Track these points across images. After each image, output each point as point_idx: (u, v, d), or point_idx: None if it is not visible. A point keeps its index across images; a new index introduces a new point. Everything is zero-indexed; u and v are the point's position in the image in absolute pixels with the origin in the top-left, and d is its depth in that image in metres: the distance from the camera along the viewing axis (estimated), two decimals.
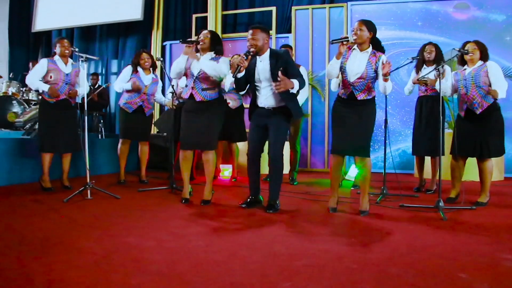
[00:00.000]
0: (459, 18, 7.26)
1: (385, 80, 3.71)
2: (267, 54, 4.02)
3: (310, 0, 8.53)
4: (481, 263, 2.52)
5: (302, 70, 5.46)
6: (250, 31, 3.99)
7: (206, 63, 4.18)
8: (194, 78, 4.25)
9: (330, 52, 7.79)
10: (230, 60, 4.22)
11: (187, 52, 4.25)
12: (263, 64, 4.00)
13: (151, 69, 5.76)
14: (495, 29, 7.05)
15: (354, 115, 3.86)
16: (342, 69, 3.90)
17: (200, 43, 4.24)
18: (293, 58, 7.95)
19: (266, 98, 4.04)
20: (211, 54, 4.28)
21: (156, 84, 5.78)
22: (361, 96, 3.86)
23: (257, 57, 4.02)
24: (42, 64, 4.95)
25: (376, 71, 3.81)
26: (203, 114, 4.22)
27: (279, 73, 3.79)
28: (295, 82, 3.85)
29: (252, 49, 3.95)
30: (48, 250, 2.72)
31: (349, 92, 3.88)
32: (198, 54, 4.30)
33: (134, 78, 5.61)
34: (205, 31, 4.34)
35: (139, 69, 5.66)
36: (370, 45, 3.87)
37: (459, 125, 4.38)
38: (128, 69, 5.69)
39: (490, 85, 4.20)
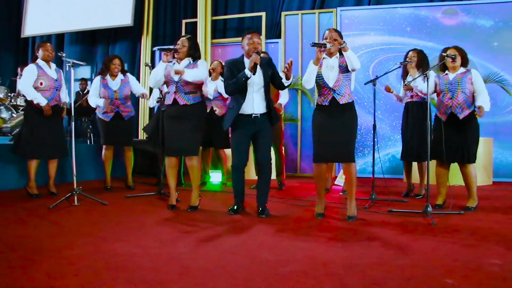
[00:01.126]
0: (447, 24, 7.31)
1: (344, 50, 3.81)
2: None
3: (299, 6, 8.54)
4: (468, 268, 2.51)
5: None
6: (249, 35, 4.03)
7: (187, 74, 4.15)
8: (176, 83, 4.24)
9: None
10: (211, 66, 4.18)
11: (165, 60, 4.26)
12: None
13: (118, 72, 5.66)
14: (483, 35, 7.11)
15: (336, 122, 3.88)
16: (319, 78, 3.94)
17: (178, 51, 4.25)
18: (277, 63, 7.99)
19: (257, 103, 4.05)
20: (188, 59, 4.29)
21: (127, 84, 5.66)
22: (343, 100, 3.88)
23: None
24: (32, 70, 4.82)
25: (346, 66, 3.88)
26: (186, 119, 4.22)
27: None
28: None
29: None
30: (33, 257, 2.68)
31: (331, 98, 3.91)
32: (176, 64, 4.29)
33: (102, 88, 5.54)
34: (183, 38, 4.32)
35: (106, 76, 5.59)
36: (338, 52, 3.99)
37: (440, 130, 4.35)
38: (97, 80, 5.61)
39: (473, 93, 4.28)
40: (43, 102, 4.81)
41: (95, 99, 5.53)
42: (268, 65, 4.09)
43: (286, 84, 4.06)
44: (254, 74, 3.92)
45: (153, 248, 2.93)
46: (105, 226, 3.62)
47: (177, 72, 4.16)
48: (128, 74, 5.80)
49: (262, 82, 4.05)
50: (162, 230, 3.49)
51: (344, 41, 3.86)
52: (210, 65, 6.02)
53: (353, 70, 3.88)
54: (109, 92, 5.52)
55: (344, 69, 3.88)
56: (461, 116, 4.28)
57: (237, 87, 4.00)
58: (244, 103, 4.05)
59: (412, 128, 5.02)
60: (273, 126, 4.20)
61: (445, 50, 4.42)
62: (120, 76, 5.65)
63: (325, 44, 3.83)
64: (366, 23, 7.65)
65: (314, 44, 3.87)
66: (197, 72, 4.18)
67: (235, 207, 4.18)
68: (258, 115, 4.06)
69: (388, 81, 7.26)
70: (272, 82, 4.15)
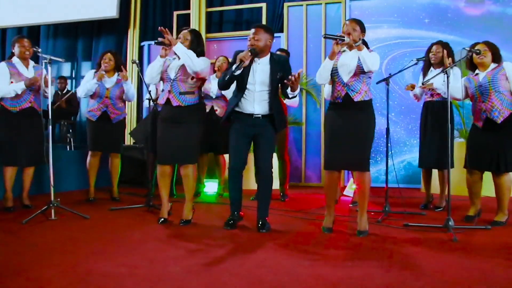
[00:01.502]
0: (471, 14, 7.26)
1: (359, 49, 3.73)
2: (267, 57, 4.08)
3: None
4: None
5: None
6: (253, 30, 4.03)
7: (180, 47, 4.09)
8: (172, 81, 4.24)
9: (326, 53, 7.78)
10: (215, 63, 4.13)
11: (164, 54, 4.24)
12: (261, 67, 4.04)
13: (115, 70, 5.66)
14: None
15: (350, 123, 3.84)
16: (333, 71, 3.91)
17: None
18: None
19: (259, 104, 4.04)
20: None
21: (121, 85, 5.66)
22: (358, 97, 3.84)
23: (256, 58, 4.03)
24: (2, 68, 4.85)
25: None
26: (181, 123, 4.21)
27: (299, 72, 3.87)
28: (299, 87, 4.03)
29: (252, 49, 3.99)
30: (3, 281, 2.64)
31: (344, 94, 3.86)
32: (176, 60, 4.27)
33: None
34: (185, 31, 4.31)
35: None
36: None
37: (474, 136, 4.33)
38: (89, 74, 5.63)
39: (510, 90, 4.20)
40: (22, 85, 4.80)
41: (84, 87, 5.51)
42: (282, 66, 4.06)
43: (290, 96, 4.04)
44: (235, 71, 3.87)
45: (141, 267, 2.90)
46: (86, 243, 3.59)
47: (170, 42, 4.10)
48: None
49: (268, 82, 4.03)
50: (151, 246, 3.47)
51: (359, 39, 3.76)
52: (215, 61, 5.99)
53: (369, 72, 3.83)
54: (101, 88, 5.53)
55: (362, 66, 3.80)
56: (499, 120, 4.19)
57: (225, 83, 4.05)
58: (244, 100, 4.05)
59: (432, 131, 5.00)
60: (277, 133, 4.19)
61: (473, 46, 4.34)
62: (116, 75, 5.66)
63: (343, 37, 3.77)
64: (379, 15, 7.65)
65: (327, 36, 3.83)
66: (194, 57, 4.11)
67: (231, 221, 4.15)
68: (260, 116, 4.05)
69: (404, 79, 7.26)
70: (281, 87, 4.13)
